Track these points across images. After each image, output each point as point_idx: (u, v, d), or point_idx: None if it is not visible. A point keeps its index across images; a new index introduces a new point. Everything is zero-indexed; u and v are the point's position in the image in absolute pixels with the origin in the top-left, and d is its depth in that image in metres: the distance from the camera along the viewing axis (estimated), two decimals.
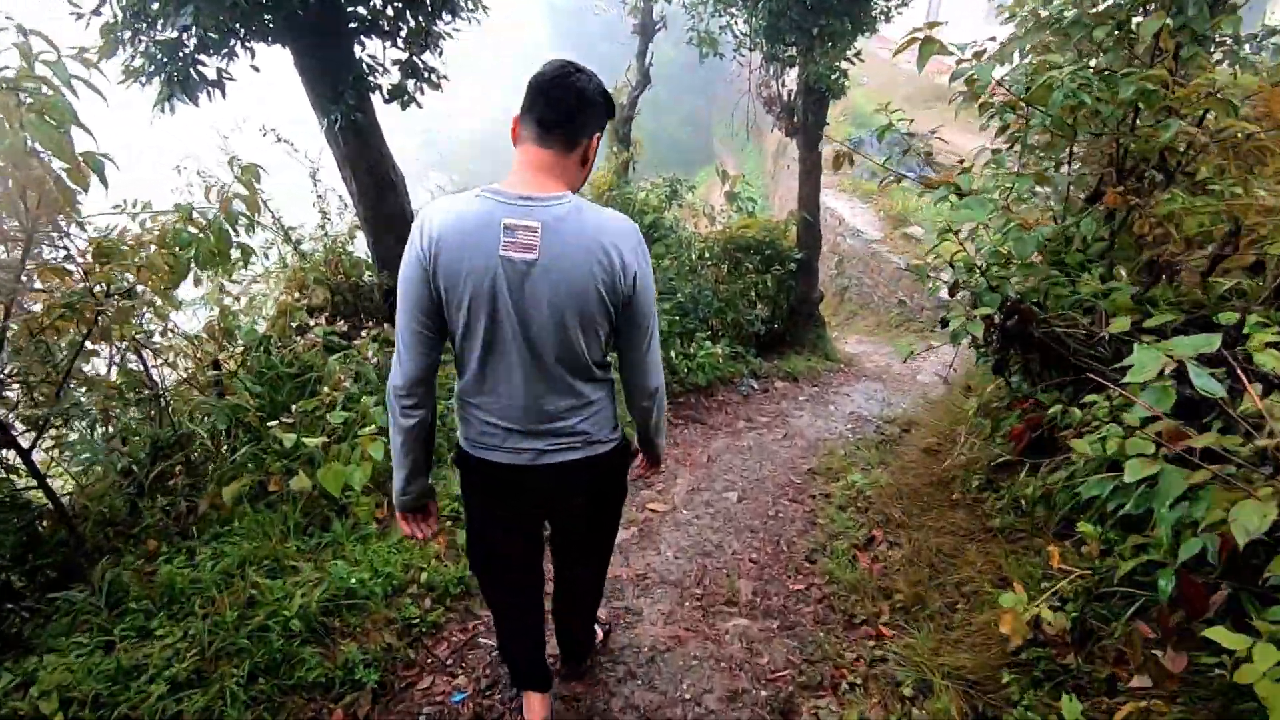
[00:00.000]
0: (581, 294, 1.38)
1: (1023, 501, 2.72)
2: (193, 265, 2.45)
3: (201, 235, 2.38)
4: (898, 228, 10.55)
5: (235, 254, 2.56)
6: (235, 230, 2.50)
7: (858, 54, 5.93)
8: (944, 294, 2.89)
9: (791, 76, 6.66)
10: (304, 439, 2.63)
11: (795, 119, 6.56)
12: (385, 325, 3.72)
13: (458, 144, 29.44)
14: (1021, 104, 2.60)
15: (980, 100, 2.71)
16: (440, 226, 1.35)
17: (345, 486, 2.61)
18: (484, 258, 1.34)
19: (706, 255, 6.41)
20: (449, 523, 3.00)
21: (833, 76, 5.66)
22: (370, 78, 3.88)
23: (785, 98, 6.60)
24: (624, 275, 1.40)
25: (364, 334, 3.48)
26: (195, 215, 2.40)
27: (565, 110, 1.38)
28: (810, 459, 4.81)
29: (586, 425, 1.57)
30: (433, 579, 2.62)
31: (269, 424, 2.78)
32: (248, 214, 2.49)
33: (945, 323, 2.62)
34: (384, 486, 2.96)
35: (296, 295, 3.67)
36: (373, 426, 2.79)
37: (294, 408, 2.91)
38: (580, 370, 1.50)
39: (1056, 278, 2.53)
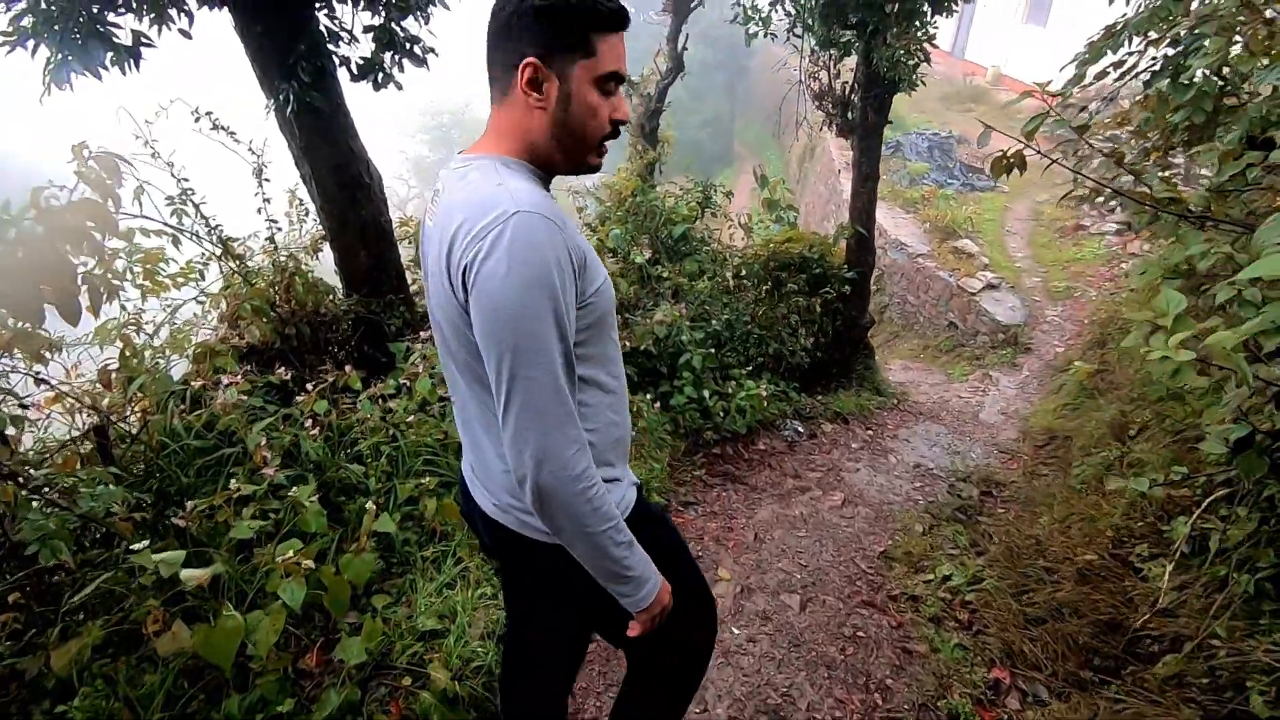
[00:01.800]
0: (438, 297, 1.06)
1: None
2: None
3: None
4: (945, 240, 9.57)
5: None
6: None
7: (931, 39, 4.98)
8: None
9: (846, 67, 5.73)
10: (182, 570, 1.73)
11: (851, 115, 5.63)
12: (348, 369, 2.82)
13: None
14: None
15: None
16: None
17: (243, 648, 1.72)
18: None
19: (744, 274, 5.48)
20: None
21: (910, 63, 4.72)
22: (332, 47, 2.98)
23: (840, 91, 5.67)
24: (454, 270, 0.97)
25: (311, 387, 2.58)
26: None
27: (489, 48, 1.05)
28: (879, 535, 3.87)
29: (501, 488, 1.17)
30: None
31: (167, 524, 1.89)
32: (94, 222, 1.60)
33: None
34: (308, 638, 2.07)
35: (228, 331, 2.77)
36: (296, 547, 1.89)
37: (189, 506, 2.02)
38: (488, 405, 1.09)
39: None
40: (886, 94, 5.29)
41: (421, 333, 3.24)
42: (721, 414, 4.54)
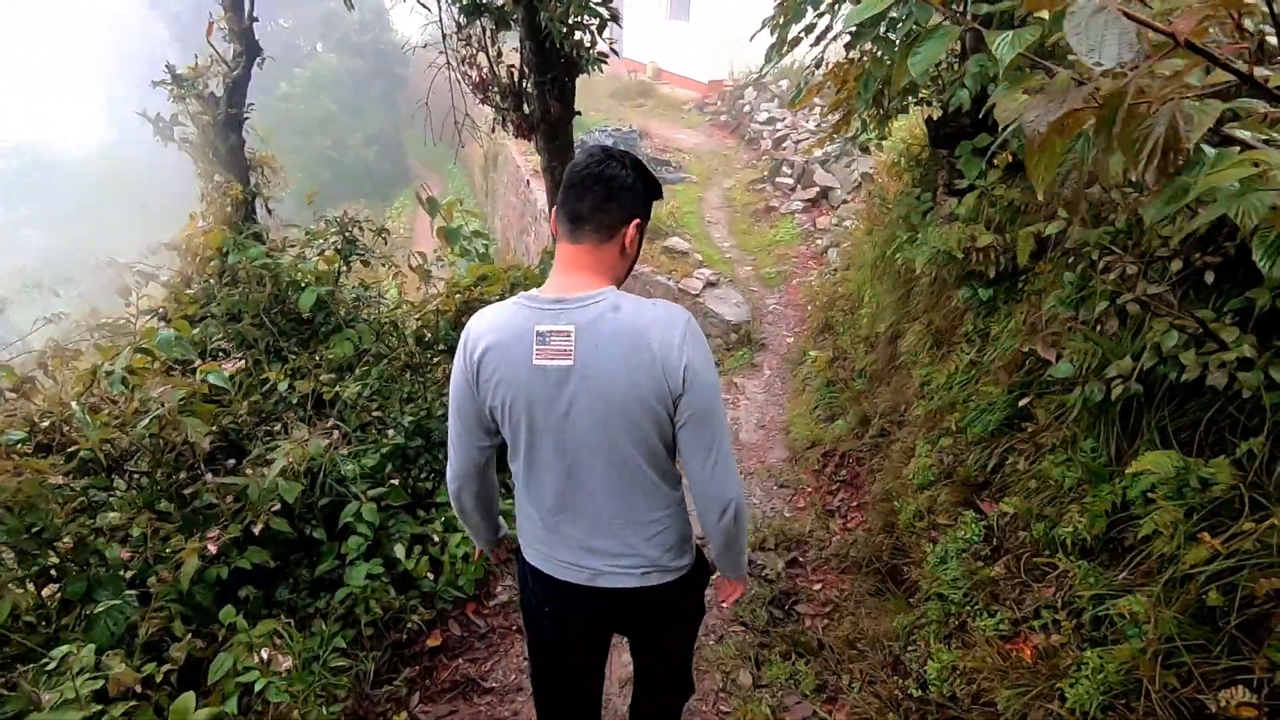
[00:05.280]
0: (625, 400, 1.26)
1: None
2: None
3: None
4: (654, 241, 8.91)
5: None
6: None
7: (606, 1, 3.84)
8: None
9: (510, 46, 4.38)
10: None
11: (529, 108, 4.29)
12: None
13: (68, 166, 22.27)
14: None
15: None
16: (482, 336, 1.33)
17: None
18: (519, 369, 1.29)
19: (431, 340, 3.86)
20: None
21: (589, 30, 3.49)
22: None
23: (509, 78, 4.29)
24: (673, 371, 1.26)
25: None
26: None
27: (594, 202, 1.30)
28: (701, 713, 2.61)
29: (648, 548, 1.40)
30: None
31: None
32: None
33: None
34: None
35: None
36: None
37: None
38: (639, 485, 1.35)
39: None
40: (566, 77, 4.05)
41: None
42: (431, 576, 2.90)
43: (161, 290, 3.03)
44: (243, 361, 2.77)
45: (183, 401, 2.42)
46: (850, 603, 3.24)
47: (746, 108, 13.49)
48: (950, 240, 3.14)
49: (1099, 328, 1.92)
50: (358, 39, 18.90)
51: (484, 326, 1.33)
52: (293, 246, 3.74)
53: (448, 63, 4.01)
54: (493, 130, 4.50)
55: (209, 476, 2.52)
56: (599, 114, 14.66)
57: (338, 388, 3.01)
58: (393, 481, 2.92)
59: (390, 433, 3.09)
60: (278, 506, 2.52)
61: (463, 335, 1.36)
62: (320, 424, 2.93)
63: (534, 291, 1.32)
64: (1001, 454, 2.56)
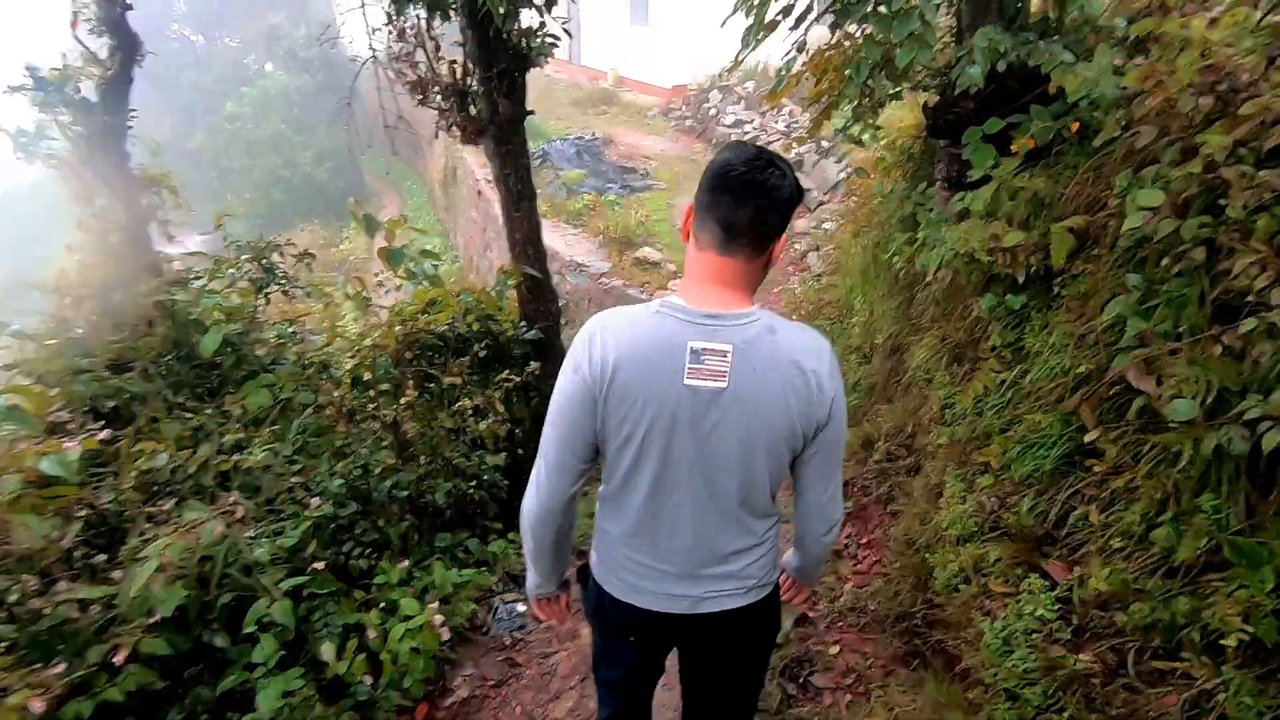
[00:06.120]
0: (775, 426, 1.22)
1: None
2: None
3: None
4: (625, 252, 8.41)
5: None
6: None
7: None
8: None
9: (451, 39, 3.85)
10: None
11: (475, 109, 3.76)
12: None
13: None
14: None
15: None
16: (618, 347, 1.19)
17: None
18: (667, 387, 1.19)
19: (369, 384, 3.29)
20: None
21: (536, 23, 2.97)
22: None
23: (452, 75, 3.76)
24: (821, 402, 1.22)
25: None
26: None
27: (755, 214, 1.16)
28: None
29: (754, 569, 1.37)
30: None
31: None
32: None
33: None
34: None
35: None
36: None
37: None
38: (759, 508, 1.33)
39: None
40: (516, 70, 3.54)
41: None
42: (370, 680, 2.34)
43: (20, 340, 2.44)
44: (106, 431, 2.18)
45: (22, 491, 1.85)
46: (876, 671, 2.76)
47: (712, 111, 13.11)
48: (972, 240, 2.68)
49: (1220, 350, 1.45)
50: (305, 54, 18.14)
51: (619, 336, 1.20)
52: (198, 279, 3.16)
53: (373, 56, 3.47)
54: (436, 135, 3.97)
55: (62, 584, 1.94)
56: (561, 122, 14.19)
57: (244, 451, 2.44)
58: (316, 566, 2.36)
59: (315, 501, 2.52)
60: (156, 618, 1.95)
61: (582, 343, 1.23)
62: (226, 496, 2.36)
63: (674, 299, 1.22)
64: (1063, 501, 2.09)
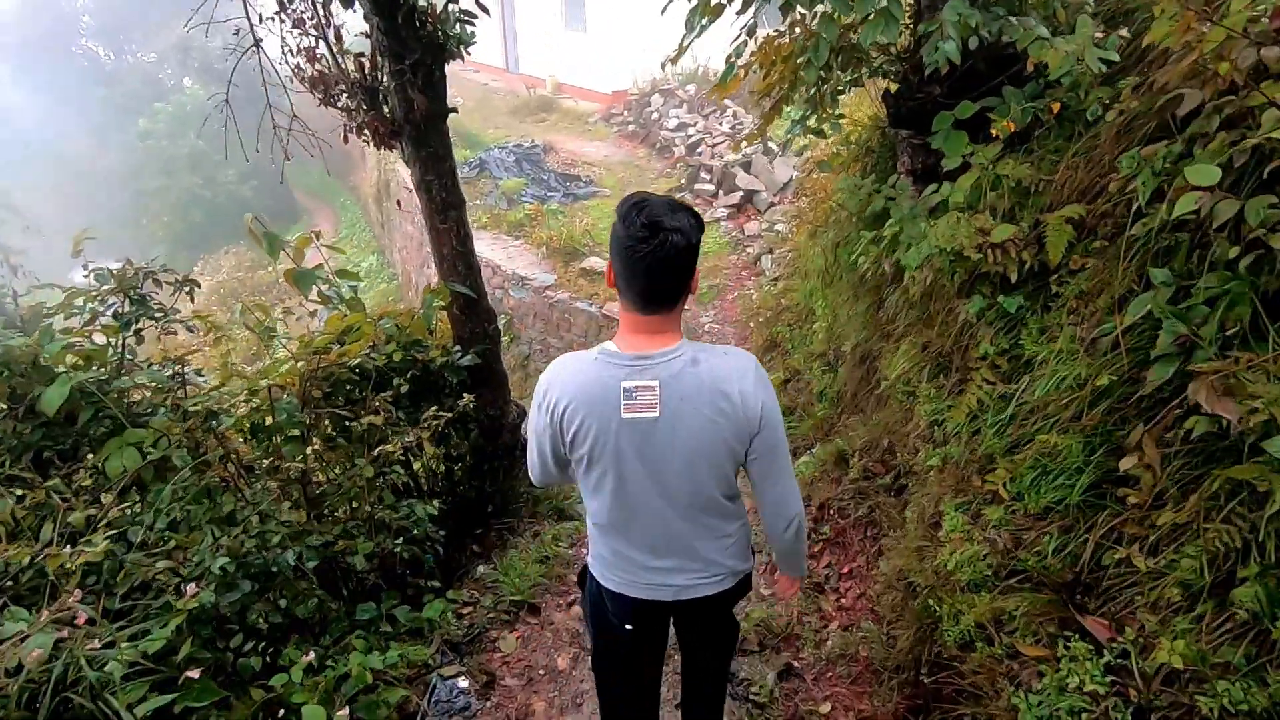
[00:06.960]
0: (711, 442, 1.40)
1: None
2: None
3: None
4: (570, 263, 7.98)
5: None
6: None
7: None
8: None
9: (353, 29, 3.39)
10: None
11: (389, 109, 3.29)
12: None
13: None
14: None
15: None
16: (565, 392, 1.40)
17: None
18: (608, 422, 1.38)
19: (270, 430, 2.79)
20: None
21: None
22: None
23: (360, 70, 3.29)
24: (749, 417, 1.39)
25: None
26: None
27: (661, 282, 1.34)
28: None
29: (726, 559, 1.57)
30: None
31: None
32: None
33: None
34: None
35: None
36: None
37: None
38: (717, 510, 1.52)
39: None
40: (431, 61, 3.10)
41: None
42: None
43: None
44: None
45: None
46: None
47: (655, 115, 12.81)
48: (960, 236, 2.37)
49: None
50: (221, 66, 17.17)
51: (565, 384, 1.41)
52: (51, 315, 2.62)
53: (255, 44, 2.98)
54: (345, 140, 3.48)
55: None
56: (499, 131, 13.69)
57: (87, 537, 1.93)
58: (191, 675, 1.86)
59: (190, 588, 2.02)
60: None
61: (540, 391, 1.45)
62: (64, 598, 1.85)
63: (610, 346, 1.41)
64: (1096, 539, 1.76)
